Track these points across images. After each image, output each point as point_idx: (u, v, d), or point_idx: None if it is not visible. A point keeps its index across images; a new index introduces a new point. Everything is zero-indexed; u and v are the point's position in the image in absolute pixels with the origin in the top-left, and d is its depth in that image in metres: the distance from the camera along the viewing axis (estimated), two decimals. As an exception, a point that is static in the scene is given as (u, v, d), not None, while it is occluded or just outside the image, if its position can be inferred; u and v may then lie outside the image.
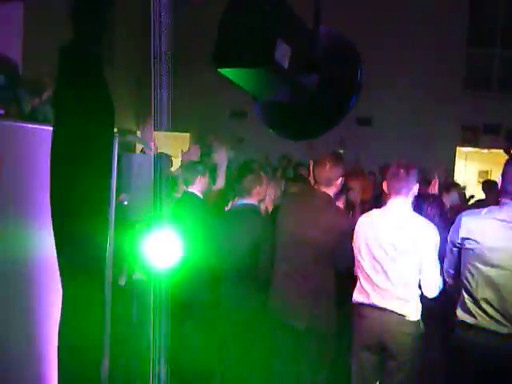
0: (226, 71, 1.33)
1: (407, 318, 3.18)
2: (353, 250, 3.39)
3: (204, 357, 3.67)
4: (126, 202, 3.64)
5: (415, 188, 3.30)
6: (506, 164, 3.00)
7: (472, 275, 2.91)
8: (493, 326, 2.81)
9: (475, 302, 2.89)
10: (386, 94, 9.69)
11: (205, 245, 3.58)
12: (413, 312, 3.19)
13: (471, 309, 2.90)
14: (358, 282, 3.37)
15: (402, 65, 9.82)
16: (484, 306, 2.85)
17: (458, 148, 10.31)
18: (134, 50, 9.01)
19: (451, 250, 3.09)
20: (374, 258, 3.26)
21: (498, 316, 2.82)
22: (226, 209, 4.18)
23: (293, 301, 3.41)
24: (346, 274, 3.43)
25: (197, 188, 4.09)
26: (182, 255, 2.73)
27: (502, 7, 10.30)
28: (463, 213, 3.07)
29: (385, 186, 3.37)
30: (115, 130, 2.38)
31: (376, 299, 3.24)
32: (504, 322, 2.80)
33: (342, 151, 5.90)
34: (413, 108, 9.71)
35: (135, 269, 3.52)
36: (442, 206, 3.92)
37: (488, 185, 6.05)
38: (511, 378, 2.80)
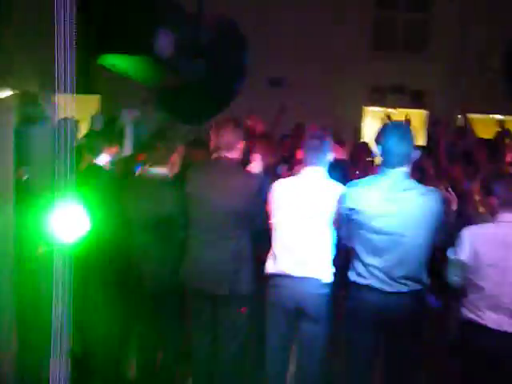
0: (108, 59, 1.28)
1: (323, 281, 3.32)
2: (266, 211, 3.45)
3: (111, 331, 3.64)
4: (26, 177, 3.47)
5: (329, 157, 3.42)
6: (384, 132, 3.13)
7: (359, 242, 3.12)
8: (380, 285, 3.05)
9: (364, 265, 3.10)
10: (296, 56, 9.75)
11: (111, 218, 3.49)
12: (328, 275, 3.34)
13: (361, 272, 3.12)
14: (273, 251, 3.43)
15: (310, 26, 9.89)
16: (371, 269, 3.07)
17: (365, 108, 10.63)
18: (39, 9, 8.44)
19: (340, 220, 3.25)
20: (292, 223, 3.34)
21: (384, 277, 3.05)
22: (135, 177, 4.01)
23: (212, 267, 3.42)
24: (262, 236, 3.49)
25: (103, 158, 3.89)
26: (87, 229, 2.66)
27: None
28: (347, 184, 3.23)
29: (300, 155, 3.47)
30: (14, 92, 2.21)
31: (292, 267, 3.34)
32: (389, 281, 3.04)
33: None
34: (323, 69, 9.84)
35: (40, 244, 3.39)
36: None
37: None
38: (400, 329, 3.10)
